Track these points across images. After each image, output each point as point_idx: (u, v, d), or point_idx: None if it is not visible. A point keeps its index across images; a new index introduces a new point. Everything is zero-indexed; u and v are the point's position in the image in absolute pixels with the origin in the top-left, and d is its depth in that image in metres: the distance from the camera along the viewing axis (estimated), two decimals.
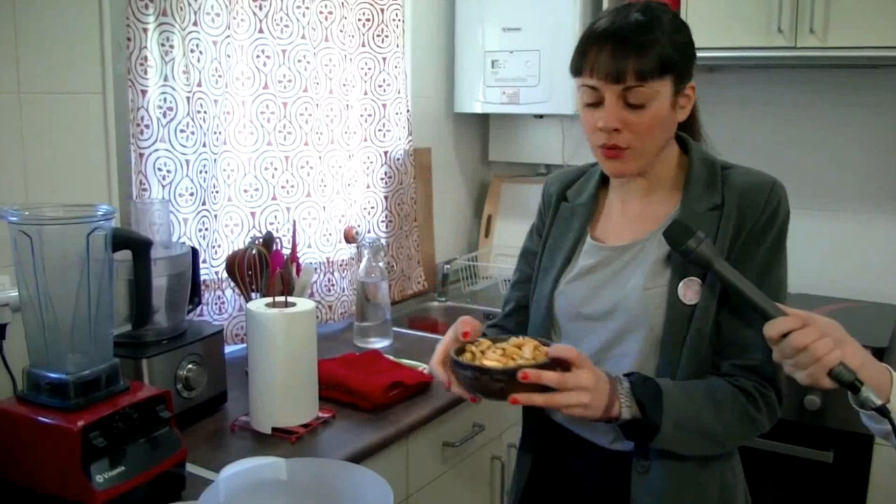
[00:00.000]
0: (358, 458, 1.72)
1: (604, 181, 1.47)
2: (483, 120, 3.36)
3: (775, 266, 1.33)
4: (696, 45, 1.34)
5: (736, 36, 2.52)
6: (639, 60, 1.24)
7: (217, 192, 2.22)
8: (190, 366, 1.82)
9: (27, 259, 1.43)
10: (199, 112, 2.10)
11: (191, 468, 1.60)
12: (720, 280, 1.26)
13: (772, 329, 1.18)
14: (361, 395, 1.94)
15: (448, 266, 3.07)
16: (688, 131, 1.42)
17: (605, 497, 1.40)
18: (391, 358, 2.22)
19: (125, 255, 1.58)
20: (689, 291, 1.31)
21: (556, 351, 1.24)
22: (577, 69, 1.31)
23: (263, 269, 2.08)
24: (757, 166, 1.37)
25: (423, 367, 2.15)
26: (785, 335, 1.16)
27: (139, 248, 1.58)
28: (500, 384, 1.20)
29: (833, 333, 1.17)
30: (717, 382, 1.31)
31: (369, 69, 2.63)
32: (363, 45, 2.60)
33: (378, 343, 2.43)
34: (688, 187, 1.36)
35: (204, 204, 2.15)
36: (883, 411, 1.15)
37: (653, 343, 1.33)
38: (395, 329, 2.54)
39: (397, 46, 2.69)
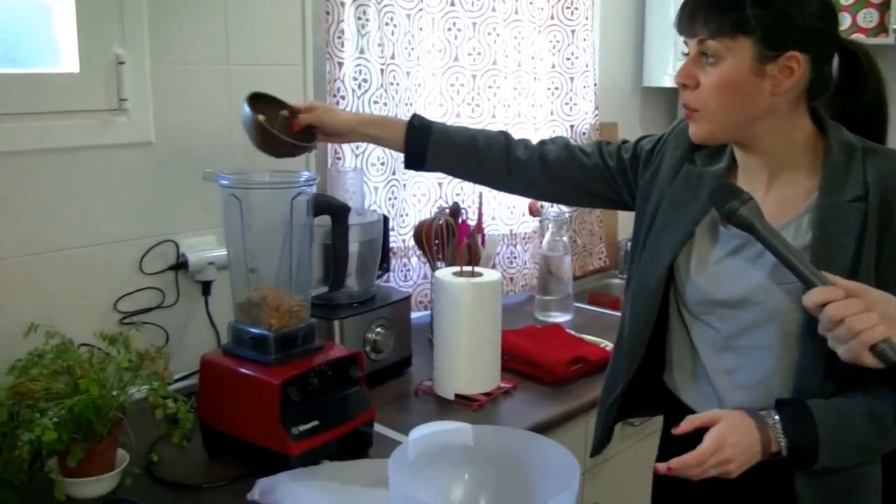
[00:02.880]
0: (539, 429, 1.72)
1: (733, 160, 1.36)
2: (672, 94, 3.25)
3: None
4: None
5: None
6: (711, 15, 1.21)
7: None
8: (378, 329, 1.88)
9: (236, 220, 1.52)
10: (391, 84, 2.15)
11: (377, 427, 1.65)
12: (762, 243, 1.18)
13: (809, 299, 1.12)
14: (544, 367, 1.94)
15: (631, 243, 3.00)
16: (874, 116, 1.30)
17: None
18: (572, 333, 2.20)
19: (322, 220, 1.65)
20: None
21: (689, 424, 1.24)
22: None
23: (450, 238, 2.12)
24: None
25: (604, 343, 2.12)
26: (824, 306, 1.09)
27: (338, 213, 1.64)
28: None
29: (885, 309, 1.08)
30: (881, 395, 1.20)
31: (558, 42, 2.60)
32: (552, 17, 2.58)
33: (559, 317, 2.42)
34: (825, 174, 1.24)
35: (394, 174, 2.21)
36: None
37: (788, 339, 1.24)
38: (576, 304, 2.52)
39: (586, 19, 2.64)
